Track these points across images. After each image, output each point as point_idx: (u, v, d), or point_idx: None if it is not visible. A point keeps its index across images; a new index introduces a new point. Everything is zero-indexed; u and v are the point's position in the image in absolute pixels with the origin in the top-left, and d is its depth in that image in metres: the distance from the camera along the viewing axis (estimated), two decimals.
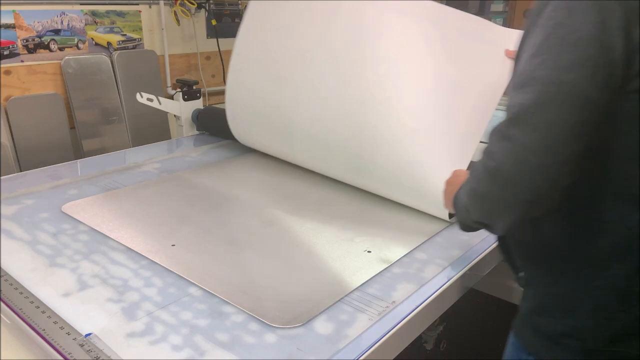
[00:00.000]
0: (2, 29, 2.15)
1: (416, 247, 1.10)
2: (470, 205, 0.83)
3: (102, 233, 1.14)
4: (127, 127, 2.55)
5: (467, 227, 0.92)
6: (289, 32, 1.43)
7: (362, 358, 0.76)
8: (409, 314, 0.86)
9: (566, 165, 0.71)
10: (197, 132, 2.01)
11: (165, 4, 2.68)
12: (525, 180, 0.72)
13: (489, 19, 4.15)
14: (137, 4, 2.60)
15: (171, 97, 2.53)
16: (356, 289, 0.94)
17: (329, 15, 1.35)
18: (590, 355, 0.81)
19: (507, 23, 3.84)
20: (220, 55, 2.97)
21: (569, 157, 0.71)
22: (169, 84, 2.77)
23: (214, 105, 2.37)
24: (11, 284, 0.93)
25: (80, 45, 2.42)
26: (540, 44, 0.71)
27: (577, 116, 0.69)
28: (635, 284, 0.77)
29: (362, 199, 1.37)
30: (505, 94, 1.20)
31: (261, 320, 0.84)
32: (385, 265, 1.02)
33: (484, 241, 1.14)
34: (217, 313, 0.86)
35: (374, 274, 0.99)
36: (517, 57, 0.80)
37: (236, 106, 1.59)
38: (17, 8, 2.18)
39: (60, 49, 2.36)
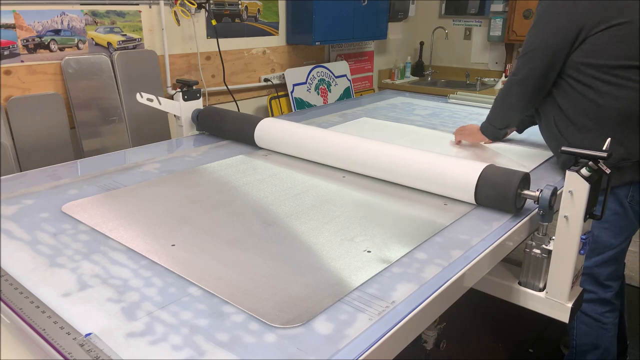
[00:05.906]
0: (2, 29, 2.15)
1: (416, 247, 1.10)
2: (493, 118, 1.74)
3: (102, 233, 1.14)
4: (127, 127, 2.55)
5: (496, 137, 1.82)
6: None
7: (362, 358, 0.76)
8: (409, 314, 0.86)
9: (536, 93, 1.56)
10: (197, 132, 2.02)
11: (165, 4, 2.68)
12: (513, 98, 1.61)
13: (489, 19, 4.16)
14: (137, 4, 2.60)
15: (171, 97, 2.54)
16: (356, 288, 0.94)
17: None
18: None
19: (507, 23, 3.84)
20: (220, 56, 2.97)
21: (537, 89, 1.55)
22: (169, 84, 2.77)
23: (214, 105, 2.37)
24: (11, 284, 0.93)
25: (81, 46, 2.42)
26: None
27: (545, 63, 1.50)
28: None
29: (362, 199, 1.38)
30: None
31: (261, 320, 0.84)
32: (385, 265, 1.02)
33: (484, 241, 1.14)
34: (217, 313, 0.86)
35: (374, 274, 0.99)
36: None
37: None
38: (17, 8, 2.18)
39: (61, 49, 2.35)
